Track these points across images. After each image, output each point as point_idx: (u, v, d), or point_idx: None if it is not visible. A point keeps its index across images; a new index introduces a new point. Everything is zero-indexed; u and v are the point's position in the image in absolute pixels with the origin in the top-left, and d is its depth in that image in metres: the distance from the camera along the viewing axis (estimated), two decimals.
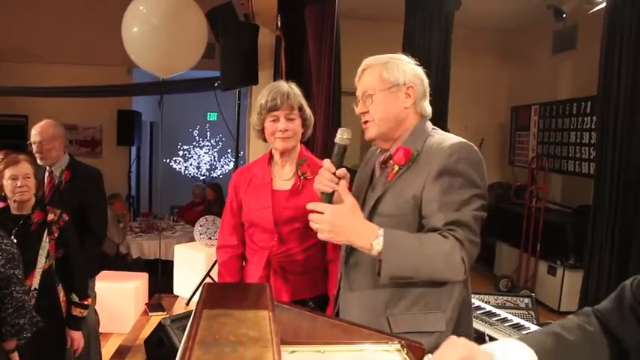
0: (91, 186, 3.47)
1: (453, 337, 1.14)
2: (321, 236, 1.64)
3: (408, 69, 1.75)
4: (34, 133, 3.33)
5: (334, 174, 1.71)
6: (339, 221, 1.60)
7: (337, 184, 1.72)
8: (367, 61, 1.80)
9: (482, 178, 1.64)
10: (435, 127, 1.80)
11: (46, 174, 3.41)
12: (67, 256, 2.81)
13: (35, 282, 2.62)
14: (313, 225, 1.66)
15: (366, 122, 1.77)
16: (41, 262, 2.66)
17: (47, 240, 2.70)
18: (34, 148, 3.32)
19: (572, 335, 1.19)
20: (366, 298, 1.73)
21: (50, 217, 2.74)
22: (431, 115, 1.81)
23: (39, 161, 3.33)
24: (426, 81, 1.79)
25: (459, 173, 1.59)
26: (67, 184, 3.36)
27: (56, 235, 2.73)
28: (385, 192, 1.72)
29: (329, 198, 1.72)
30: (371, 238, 1.55)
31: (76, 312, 2.84)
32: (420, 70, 1.79)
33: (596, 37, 4.57)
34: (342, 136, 1.74)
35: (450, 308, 1.68)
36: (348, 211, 1.62)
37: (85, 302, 2.87)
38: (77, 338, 2.86)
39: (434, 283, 1.65)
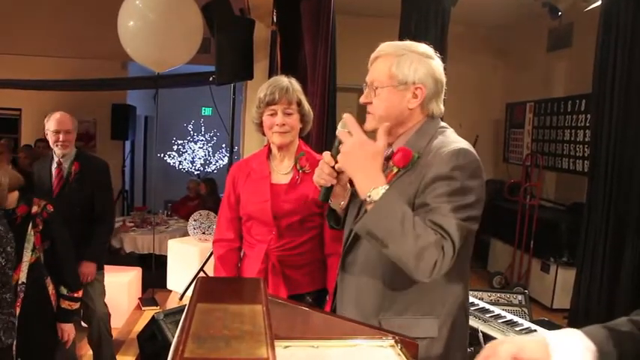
0: (100, 177, 3.55)
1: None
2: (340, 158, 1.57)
3: (421, 66, 1.64)
4: (58, 123, 3.38)
5: (333, 168, 1.67)
6: (360, 152, 1.53)
7: (336, 178, 1.68)
8: (383, 47, 1.70)
9: (479, 188, 1.56)
10: (443, 126, 1.71)
11: (54, 166, 3.46)
12: (54, 248, 2.76)
13: (22, 276, 2.58)
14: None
15: (368, 113, 1.70)
16: (27, 256, 2.61)
17: (32, 233, 2.65)
18: (55, 137, 3.37)
19: (625, 327, 1.19)
20: (359, 299, 1.70)
21: (34, 209, 2.69)
22: (441, 114, 1.72)
23: (58, 151, 3.40)
24: (441, 79, 1.68)
25: (454, 181, 1.52)
26: (76, 175, 3.41)
27: (41, 227, 2.68)
28: None
29: (328, 192, 1.69)
30: (373, 185, 1.49)
31: (65, 304, 2.80)
32: (435, 67, 1.67)
33: (591, 35, 4.58)
34: (344, 128, 1.66)
35: (443, 314, 1.65)
36: (373, 151, 1.53)
37: (75, 295, 2.83)
38: (67, 330, 2.82)
39: (427, 288, 1.61)
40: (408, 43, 1.70)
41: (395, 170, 1.65)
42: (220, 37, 5.03)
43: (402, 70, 1.63)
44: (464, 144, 1.60)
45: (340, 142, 1.65)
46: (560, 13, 6.38)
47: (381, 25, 5.58)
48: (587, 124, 5.57)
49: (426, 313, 1.63)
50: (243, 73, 5.13)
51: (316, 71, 4.59)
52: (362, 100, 1.71)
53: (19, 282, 2.58)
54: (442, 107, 1.72)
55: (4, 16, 7.87)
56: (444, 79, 1.69)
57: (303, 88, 2.38)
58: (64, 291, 2.80)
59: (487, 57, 8.06)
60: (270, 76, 5.09)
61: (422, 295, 1.62)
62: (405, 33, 5.25)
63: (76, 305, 2.86)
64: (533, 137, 6.90)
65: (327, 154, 1.69)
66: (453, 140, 1.62)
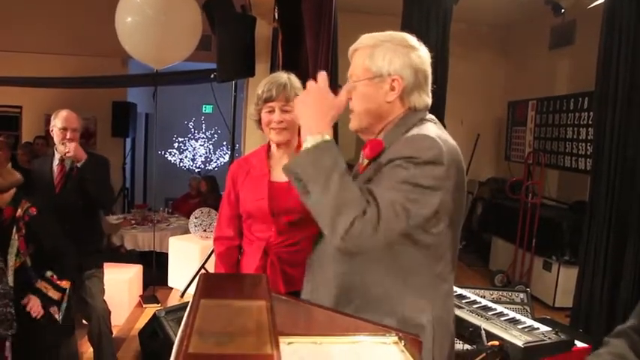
0: (101, 172, 3.54)
1: None
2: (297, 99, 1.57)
3: (397, 57, 1.56)
4: (65, 120, 3.40)
5: None
6: (314, 98, 1.51)
7: None
8: (361, 39, 1.63)
9: (436, 174, 1.45)
10: (426, 119, 1.62)
11: (56, 162, 3.47)
12: (43, 249, 2.70)
13: (10, 280, 2.54)
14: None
15: (351, 111, 1.65)
16: (12, 261, 2.57)
17: (16, 237, 2.61)
18: (62, 134, 3.38)
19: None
20: (320, 294, 1.66)
21: (18, 212, 2.64)
22: (427, 107, 1.64)
23: (62, 148, 3.39)
24: (423, 69, 1.60)
25: (403, 161, 1.44)
26: (79, 171, 3.41)
27: (24, 231, 2.63)
28: None
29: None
30: (314, 132, 1.46)
31: (41, 285, 2.70)
32: (415, 57, 1.59)
33: (594, 32, 4.57)
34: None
35: (403, 320, 1.53)
36: (328, 103, 1.51)
37: (57, 282, 2.74)
38: (32, 303, 2.66)
39: (383, 291, 1.55)
40: (388, 33, 1.62)
41: (365, 162, 1.61)
42: (221, 34, 5.02)
43: (376, 62, 1.57)
44: (431, 133, 1.51)
45: None
46: (563, 11, 6.36)
47: (383, 23, 5.55)
48: (590, 122, 5.56)
49: (382, 316, 1.51)
50: (245, 71, 5.12)
51: (318, 68, 4.57)
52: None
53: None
54: (427, 100, 1.64)
55: (4, 13, 7.86)
56: (427, 69, 1.62)
57: (304, 85, 2.37)
58: (47, 274, 2.71)
59: (489, 55, 8.05)
60: (271, 74, 5.08)
61: (378, 296, 1.55)
62: (407, 31, 5.19)
63: (55, 293, 2.73)
64: (535, 135, 6.88)
65: None
66: (423, 129, 1.54)
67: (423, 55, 1.62)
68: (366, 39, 1.62)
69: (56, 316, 2.73)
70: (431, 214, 1.47)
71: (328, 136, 1.47)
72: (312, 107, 1.51)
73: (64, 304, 2.85)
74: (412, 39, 1.63)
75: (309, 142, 1.46)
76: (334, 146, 1.47)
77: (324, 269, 1.67)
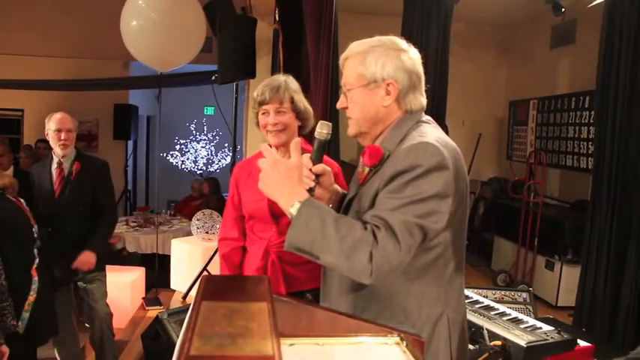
0: (101, 175, 3.54)
1: None
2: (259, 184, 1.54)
3: (389, 61, 1.56)
4: (59, 121, 3.38)
5: (311, 170, 1.60)
6: (273, 174, 1.50)
7: (314, 181, 1.61)
8: (350, 47, 1.63)
9: (440, 182, 1.44)
10: (421, 121, 1.61)
11: (54, 166, 3.46)
12: None
13: None
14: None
15: (348, 118, 1.65)
16: None
17: None
18: (57, 135, 3.37)
19: None
20: (334, 302, 1.66)
21: None
22: (422, 108, 1.64)
23: (59, 150, 3.40)
24: (416, 71, 1.60)
25: (407, 175, 1.44)
26: (77, 174, 3.42)
27: None
28: (356, 195, 1.62)
29: (309, 193, 1.64)
30: (291, 203, 1.46)
31: None
32: (406, 59, 1.58)
33: (595, 31, 4.57)
34: (321, 130, 1.63)
35: (419, 324, 1.55)
36: (285, 169, 1.50)
37: None
38: None
39: (397, 294, 1.55)
40: (376, 38, 1.61)
41: (366, 170, 1.60)
42: (222, 36, 5.03)
43: (369, 68, 1.56)
44: (429, 138, 1.50)
45: (319, 144, 1.62)
46: (563, 10, 6.35)
47: (384, 23, 5.55)
48: (591, 121, 5.55)
49: (399, 322, 1.53)
50: (246, 72, 5.12)
51: (318, 69, 4.57)
52: (338, 105, 1.66)
53: None
54: (422, 100, 1.63)
55: (5, 16, 7.88)
56: (419, 69, 1.61)
57: (305, 86, 2.38)
58: None
59: (490, 54, 8.05)
60: (272, 75, 5.09)
61: (393, 302, 1.56)
62: (408, 31, 5.25)
63: None
64: (536, 134, 6.88)
65: (305, 157, 1.64)
66: (420, 134, 1.53)
67: (413, 56, 1.61)
68: (355, 46, 1.61)
69: (11, 322, 2.65)
70: (445, 224, 1.47)
71: (303, 197, 1.47)
72: (275, 182, 1.51)
73: (26, 315, 2.75)
74: (401, 41, 1.62)
75: (291, 213, 1.46)
76: (312, 202, 1.47)
77: (337, 279, 1.67)
